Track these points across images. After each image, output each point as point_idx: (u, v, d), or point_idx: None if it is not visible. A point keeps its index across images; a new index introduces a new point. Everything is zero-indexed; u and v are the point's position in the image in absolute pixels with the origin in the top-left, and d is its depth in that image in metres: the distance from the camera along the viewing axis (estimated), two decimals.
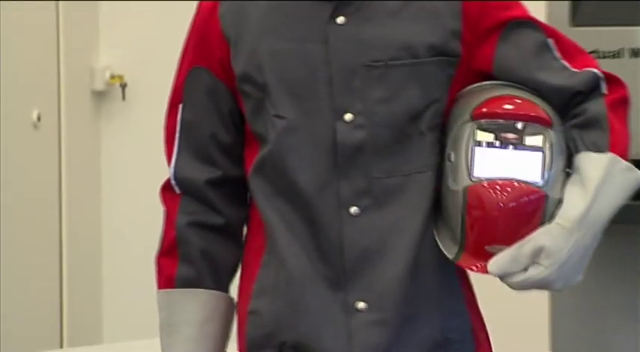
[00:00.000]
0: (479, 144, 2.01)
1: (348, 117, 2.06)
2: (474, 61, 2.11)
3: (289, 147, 2.09)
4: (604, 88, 2.09)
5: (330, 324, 2.06)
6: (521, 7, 2.17)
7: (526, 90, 2.09)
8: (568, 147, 2.05)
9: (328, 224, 2.07)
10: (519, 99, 2.06)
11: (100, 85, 5.98)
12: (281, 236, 2.10)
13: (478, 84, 2.12)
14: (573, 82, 2.08)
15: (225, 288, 2.17)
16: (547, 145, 2.01)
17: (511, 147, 2.00)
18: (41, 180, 5.76)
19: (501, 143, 2.00)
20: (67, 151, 5.86)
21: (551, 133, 2.02)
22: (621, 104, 2.10)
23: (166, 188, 2.21)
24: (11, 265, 5.57)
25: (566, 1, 3.50)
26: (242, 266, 2.19)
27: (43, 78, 5.87)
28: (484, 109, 2.04)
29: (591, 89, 2.08)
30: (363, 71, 2.07)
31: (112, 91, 6.00)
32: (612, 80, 2.12)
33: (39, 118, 5.70)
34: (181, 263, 2.15)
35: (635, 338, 3.71)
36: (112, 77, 5.86)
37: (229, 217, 2.17)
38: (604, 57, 3.41)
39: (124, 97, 5.86)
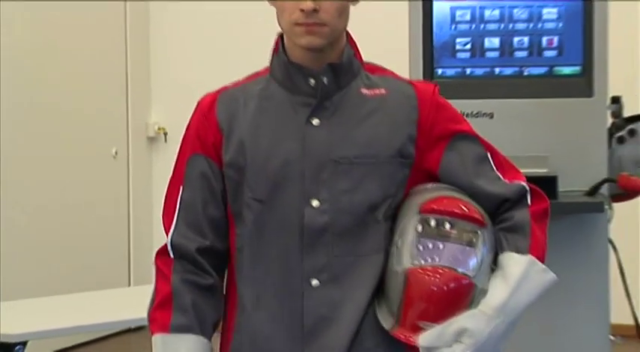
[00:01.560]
0: (422, 234, 2.10)
1: (315, 203, 2.16)
2: (424, 163, 2.22)
3: (264, 225, 2.19)
4: (529, 199, 2.21)
5: None
6: (467, 123, 2.29)
7: (464, 194, 2.19)
8: (495, 246, 2.15)
9: (292, 293, 2.17)
10: (461, 201, 2.15)
11: (151, 133, 7.40)
12: (251, 304, 2.19)
13: (427, 185, 2.21)
14: (504, 190, 2.20)
15: (209, 339, 2.23)
16: (480, 242, 2.10)
17: (449, 240, 2.09)
18: (117, 193, 7.14)
19: (442, 236, 2.09)
20: (133, 175, 7.26)
21: (485, 232, 2.12)
22: (543, 215, 2.23)
23: (161, 253, 2.25)
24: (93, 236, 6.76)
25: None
26: (222, 326, 2.29)
27: (119, 127, 7.18)
28: (430, 206, 2.13)
29: (518, 199, 2.21)
30: (331, 165, 2.17)
31: (158, 137, 7.42)
32: (536, 194, 2.24)
33: (116, 153, 7.09)
34: (175, 312, 2.20)
35: (603, 322, 3.52)
36: (159, 128, 7.36)
37: (215, 280, 2.24)
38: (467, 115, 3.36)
39: (165, 141, 7.33)
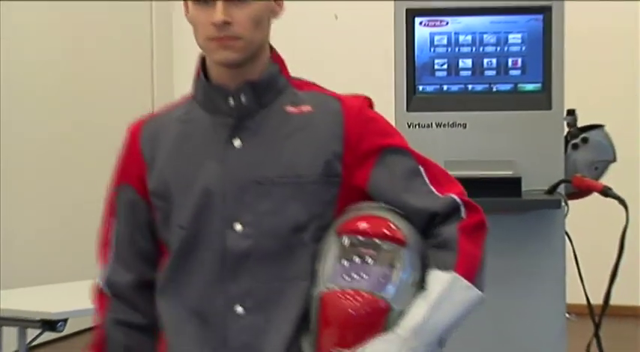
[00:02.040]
0: (338, 256, 1.85)
1: (237, 227, 1.90)
2: (353, 180, 1.92)
3: (188, 252, 1.93)
4: (463, 213, 1.90)
5: None
6: (399, 136, 2.00)
7: (393, 211, 1.90)
8: (424, 264, 1.87)
9: (216, 321, 1.90)
10: (380, 219, 1.87)
11: None
12: (176, 334, 1.93)
13: (358, 204, 1.93)
14: (434, 205, 1.90)
15: None
16: (399, 262, 1.83)
17: (366, 261, 1.82)
18: None
19: (358, 257, 1.83)
20: None
21: (405, 252, 1.85)
22: (477, 229, 1.92)
23: (97, 291, 2.02)
24: None
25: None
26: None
27: None
28: (347, 226, 1.87)
29: (449, 213, 1.90)
30: (253, 187, 1.90)
31: None
32: (471, 207, 1.93)
33: None
34: None
35: (560, 302, 3.50)
36: None
37: (152, 318, 1.97)
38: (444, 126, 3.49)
39: None
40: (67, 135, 6.23)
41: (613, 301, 3.30)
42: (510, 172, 3.40)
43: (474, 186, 3.04)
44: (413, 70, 3.49)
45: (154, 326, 1.98)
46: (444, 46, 3.50)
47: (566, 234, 3.49)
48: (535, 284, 3.50)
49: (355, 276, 1.83)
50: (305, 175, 1.91)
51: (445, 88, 3.53)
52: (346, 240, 1.87)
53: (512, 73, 3.50)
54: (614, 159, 3.55)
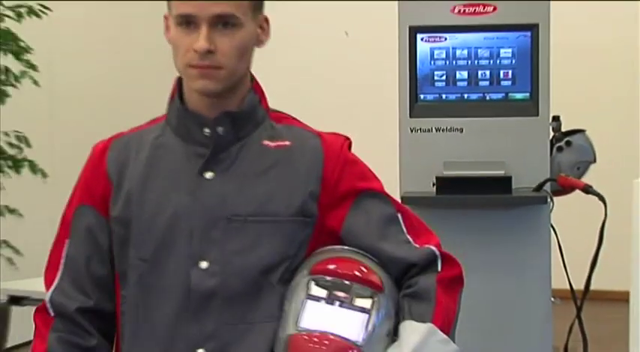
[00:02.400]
0: (310, 297, 1.58)
1: (203, 264, 1.62)
2: (327, 222, 1.67)
3: (148, 288, 1.64)
4: (439, 266, 1.66)
5: None
6: (377, 181, 1.74)
7: (367, 256, 1.65)
8: (396, 313, 1.62)
9: None
10: (357, 262, 1.63)
11: None
12: None
13: (331, 246, 1.68)
14: (411, 255, 1.65)
15: None
16: (374, 308, 1.57)
17: (339, 304, 1.56)
18: None
19: (331, 299, 1.57)
20: None
21: (381, 298, 1.59)
22: (453, 282, 1.68)
23: (40, 310, 1.71)
24: None
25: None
26: None
27: None
28: (322, 266, 1.61)
29: (427, 265, 1.66)
30: (223, 223, 1.62)
31: None
32: (448, 260, 1.69)
33: None
34: None
35: (546, 287, 3.47)
36: None
37: (98, 342, 1.68)
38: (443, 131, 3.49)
39: None
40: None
41: (593, 286, 3.33)
42: (502, 172, 3.40)
43: (470, 184, 3.31)
44: (415, 80, 3.50)
45: (102, 349, 1.70)
46: (442, 59, 3.51)
47: (552, 227, 3.49)
48: (524, 271, 3.50)
49: (326, 320, 1.56)
50: (280, 214, 1.64)
51: (444, 96, 3.54)
52: (319, 281, 1.60)
53: (504, 83, 3.51)
54: (594, 160, 3.55)
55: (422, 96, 3.52)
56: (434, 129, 3.49)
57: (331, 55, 6.86)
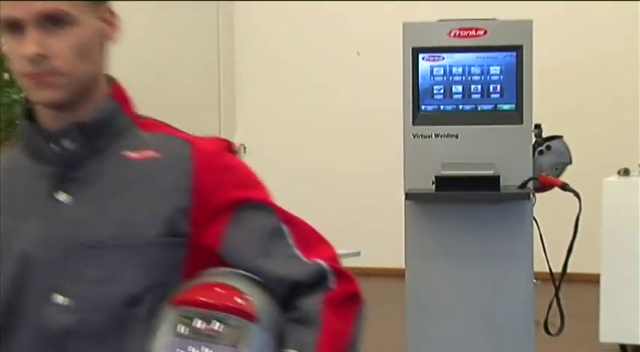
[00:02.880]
0: (171, 333, 1.15)
1: (59, 299, 1.19)
2: (203, 240, 1.23)
3: (5, 330, 1.21)
4: (331, 283, 1.23)
5: None
6: (261, 188, 1.28)
7: (249, 279, 1.21)
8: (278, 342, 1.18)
9: None
10: (227, 288, 1.18)
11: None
12: None
13: (204, 271, 1.23)
14: (297, 272, 1.22)
15: None
16: (244, 341, 1.14)
17: (205, 339, 1.13)
18: None
19: (194, 334, 1.14)
20: None
21: (254, 328, 1.16)
22: (347, 301, 1.24)
23: None
24: None
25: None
26: None
27: None
28: (184, 297, 1.18)
29: (315, 282, 1.22)
30: (80, 251, 1.20)
31: (240, 149, 6.68)
32: (342, 275, 1.25)
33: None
34: None
35: (528, 270, 3.42)
36: (240, 144, 6.70)
37: None
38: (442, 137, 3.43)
39: (244, 151, 6.77)
40: None
41: (569, 269, 3.31)
42: (491, 172, 3.38)
43: (464, 182, 3.31)
44: (417, 93, 3.48)
45: None
46: (440, 75, 3.49)
47: (534, 219, 3.47)
48: (510, 257, 3.47)
49: None
50: (143, 235, 1.21)
51: (442, 107, 3.51)
52: (182, 314, 1.17)
53: (493, 96, 3.48)
54: (570, 162, 3.53)
55: (423, 107, 3.50)
56: (433, 136, 3.47)
57: (345, 73, 6.92)
